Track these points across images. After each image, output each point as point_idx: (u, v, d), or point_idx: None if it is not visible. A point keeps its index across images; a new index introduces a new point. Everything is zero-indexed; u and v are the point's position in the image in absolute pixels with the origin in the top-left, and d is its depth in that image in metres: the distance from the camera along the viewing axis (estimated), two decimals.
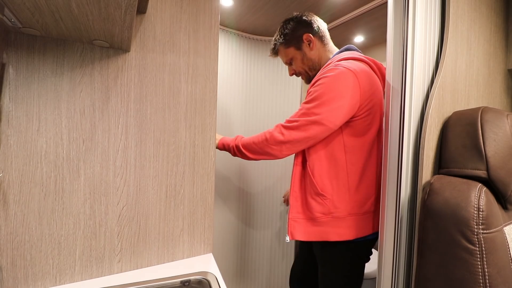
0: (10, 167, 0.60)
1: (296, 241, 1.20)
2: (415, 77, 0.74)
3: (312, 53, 0.99)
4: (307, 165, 0.89)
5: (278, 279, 1.60)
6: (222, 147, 1.02)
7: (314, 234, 0.88)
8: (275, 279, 1.59)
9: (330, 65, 0.90)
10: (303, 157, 0.92)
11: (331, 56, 0.99)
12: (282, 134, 0.85)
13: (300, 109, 0.86)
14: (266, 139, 0.88)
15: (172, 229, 0.80)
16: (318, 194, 0.86)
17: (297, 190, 0.91)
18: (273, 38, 1.05)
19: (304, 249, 1.14)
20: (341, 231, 0.86)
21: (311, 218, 0.88)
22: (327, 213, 0.86)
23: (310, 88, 0.88)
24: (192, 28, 0.82)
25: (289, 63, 1.05)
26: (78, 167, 0.67)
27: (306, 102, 0.86)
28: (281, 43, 1.02)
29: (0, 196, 0.59)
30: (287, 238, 0.90)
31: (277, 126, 0.89)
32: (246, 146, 0.94)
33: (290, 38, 1.01)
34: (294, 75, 1.07)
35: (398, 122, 0.75)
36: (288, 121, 0.87)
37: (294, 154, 0.94)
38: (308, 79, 1.05)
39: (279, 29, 1.03)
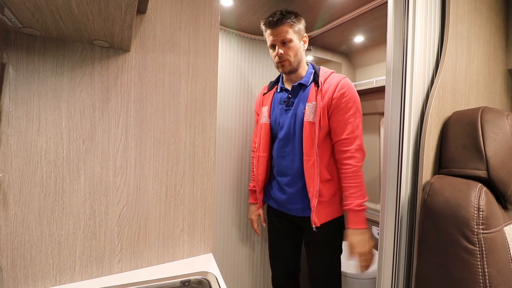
0: (10, 167, 0.60)
1: (274, 251, 1.22)
2: (415, 77, 0.74)
3: (302, 52, 1.08)
4: (319, 160, 1.00)
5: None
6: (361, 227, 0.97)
7: (329, 215, 1.02)
8: None
9: (331, 76, 1.05)
10: (316, 154, 1.00)
11: (306, 66, 1.11)
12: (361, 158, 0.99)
13: (353, 124, 0.99)
14: (359, 171, 0.98)
15: (172, 229, 0.80)
16: (328, 180, 1.01)
17: (315, 184, 1.00)
18: (280, 12, 1.03)
19: (288, 251, 1.17)
20: (341, 207, 1.05)
21: (323, 202, 1.01)
22: (334, 194, 1.03)
23: (340, 99, 0.99)
24: (192, 28, 0.82)
25: (283, 43, 1.03)
26: (78, 167, 0.67)
27: (353, 116, 0.99)
28: (292, 22, 1.02)
29: (0, 196, 0.59)
30: (314, 228, 1.01)
31: (355, 155, 0.97)
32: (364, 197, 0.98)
33: (299, 27, 1.04)
34: (276, 57, 1.05)
35: (398, 122, 0.75)
36: (359, 143, 0.98)
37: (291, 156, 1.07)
38: (287, 68, 1.06)
39: (291, 12, 1.04)
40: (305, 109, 1.02)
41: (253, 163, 1.23)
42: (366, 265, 0.94)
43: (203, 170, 0.85)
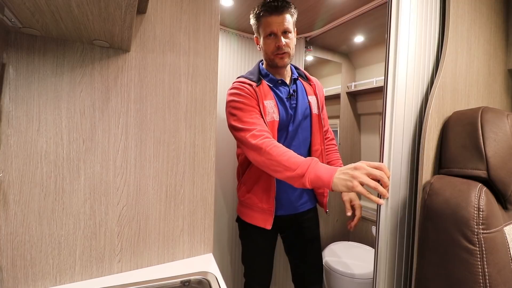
0: (10, 167, 0.60)
1: (257, 247, 1.14)
2: (409, 77, 0.74)
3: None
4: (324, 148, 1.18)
5: (278, 279, 1.60)
6: None
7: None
8: (275, 279, 1.59)
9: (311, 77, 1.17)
10: (323, 144, 1.14)
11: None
12: None
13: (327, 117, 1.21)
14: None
15: (172, 229, 0.80)
16: None
17: None
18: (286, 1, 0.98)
19: (270, 246, 1.14)
20: None
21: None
22: None
23: (323, 96, 1.16)
24: (192, 28, 0.82)
25: (283, 32, 0.96)
26: (78, 167, 0.67)
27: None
28: (293, 13, 0.99)
29: (0, 196, 0.59)
30: (328, 212, 1.18)
31: (334, 138, 1.25)
32: None
33: (295, 20, 1.02)
34: (279, 48, 0.97)
35: (390, 122, 0.75)
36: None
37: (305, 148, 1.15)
38: (286, 62, 1.01)
39: (291, 4, 0.99)
40: (309, 102, 1.07)
41: None
42: (359, 217, 1.05)
43: (203, 170, 0.85)
